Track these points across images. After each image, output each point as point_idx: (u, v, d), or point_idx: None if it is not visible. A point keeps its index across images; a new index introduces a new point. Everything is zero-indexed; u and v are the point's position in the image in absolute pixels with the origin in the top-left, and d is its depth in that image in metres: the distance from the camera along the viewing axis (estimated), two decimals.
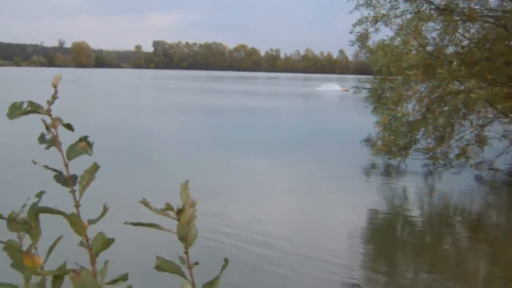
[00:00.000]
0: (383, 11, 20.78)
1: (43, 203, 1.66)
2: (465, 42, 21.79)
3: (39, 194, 1.65)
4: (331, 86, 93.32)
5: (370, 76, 22.79)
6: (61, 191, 1.72)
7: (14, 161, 19.43)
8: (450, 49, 21.23)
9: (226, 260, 1.46)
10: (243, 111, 53.66)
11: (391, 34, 20.97)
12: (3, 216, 1.69)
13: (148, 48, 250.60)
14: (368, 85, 22.04)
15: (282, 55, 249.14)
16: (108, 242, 1.62)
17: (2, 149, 23.40)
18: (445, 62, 19.13)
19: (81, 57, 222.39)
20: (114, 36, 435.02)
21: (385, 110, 20.52)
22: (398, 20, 20.69)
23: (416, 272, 12.34)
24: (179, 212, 1.44)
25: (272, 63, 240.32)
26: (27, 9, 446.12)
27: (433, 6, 20.67)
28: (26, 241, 1.74)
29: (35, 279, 1.72)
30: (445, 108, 20.35)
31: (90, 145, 1.58)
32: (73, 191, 1.58)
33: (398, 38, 20.60)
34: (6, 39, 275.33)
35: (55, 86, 1.54)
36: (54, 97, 1.53)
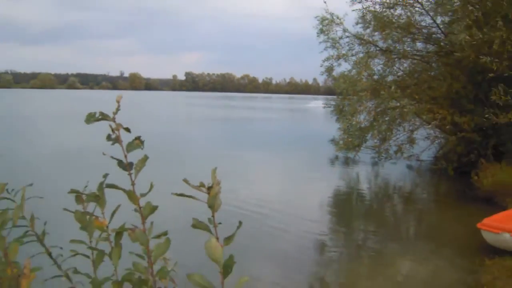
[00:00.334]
0: (343, 52, 20.84)
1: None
2: (400, 73, 21.76)
3: (105, 176, 1.68)
4: (317, 103, 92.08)
5: (335, 96, 22.77)
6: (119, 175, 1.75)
7: (89, 153, 19.38)
8: (390, 78, 21.20)
9: (240, 222, 1.45)
10: (246, 120, 53.35)
11: (349, 67, 21.05)
12: (79, 191, 1.74)
13: (181, 76, 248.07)
14: (333, 103, 22.05)
15: (274, 82, 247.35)
16: (153, 209, 1.61)
17: (81, 145, 23.39)
18: (386, 86, 19.12)
19: (135, 83, 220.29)
20: (158, 68, 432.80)
21: (344, 119, 20.48)
22: (354, 58, 20.75)
23: (365, 228, 12.41)
24: (209, 188, 1.45)
25: (267, 87, 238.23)
26: (99, 50, 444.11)
27: (378, 48, 20.71)
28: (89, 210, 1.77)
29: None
30: (386, 118, 20.32)
31: (142, 142, 1.58)
32: (130, 174, 1.59)
33: (354, 70, 20.62)
34: (84, 71, 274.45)
35: (118, 102, 1.55)
36: (117, 109, 1.54)
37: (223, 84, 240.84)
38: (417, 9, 19.28)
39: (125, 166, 1.59)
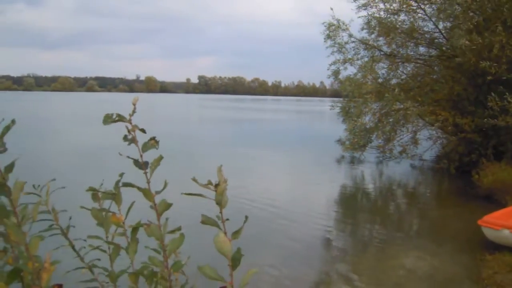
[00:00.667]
0: (349, 56, 20.84)
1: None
2: (404, 76, 21.73)
3: (121, 174, 1.69)
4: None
5: (341, 99, 22.73)
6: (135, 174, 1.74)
7: (106, 153, 19.46)
8: (394, 81, 21.18)
9: (246, 217, 1.46)
10: (256, 121, 53.38)
11: (355, 71, 21.02)
12: (95, 189, 1.77)
13: (194, 80, 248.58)
14: (339, 105, 22.01)
15: (282, 85, 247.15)
16: (168, 206, 1.63)
17: (99, 146, 23.50)
18: (390, 89, 19.11)
19: (151, 86, 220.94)
20: (172, 72, 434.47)
21: (350, 121, 20.46)
22: (359, 62, 20.73)
23: (370, 224, 12.37)
24: (216, 186, 1.46)
25: (276, 90, 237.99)
26: (116, 54, 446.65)
27: (382, 53, 20.69)
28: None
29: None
30: (390, 120, 20.30)
31: (157, 142, 1.58)
32: (145, 173, 1.60)
33: (359, 74, 20.61)
34: (102, 74, 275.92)
35: (134, 104, 1.55)
36: (134, 111, 1.54)
37: (234, 87, 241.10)
38: (420, 15, 19.27)
39: (141, 165, 1.60)
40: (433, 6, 18.66)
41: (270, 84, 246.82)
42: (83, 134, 31.21)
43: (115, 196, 1.74)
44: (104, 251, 1.83)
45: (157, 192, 1.61)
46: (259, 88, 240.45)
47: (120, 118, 1.53)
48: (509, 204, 11.58)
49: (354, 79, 20.70)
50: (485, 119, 14.57)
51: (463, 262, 9.00)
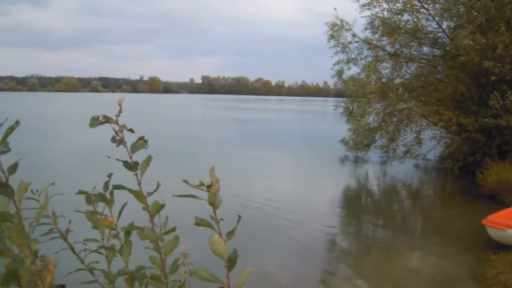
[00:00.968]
0: (353, 56, 20.84)
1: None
2: (407, 76, 21.71)
3: (109, 175, 1.67)
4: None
5: (345, 98, 22.72)
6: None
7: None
8: (397, 81, 21.16)
9: (239, 216, 1.43)
10: (260, 121, 53.40)
11: (358, 70, 21.03)
12: (86, 192, 1.74)
13: (198, 80, 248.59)
14: (343, 104, 22.00)
15: (286, 85, 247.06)
16: (160, 207, 1.59)
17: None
18: (394, 89, 19.07)
19: (154, 86, 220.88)
20: (176, 72, 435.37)
21: (354, 120, 20.45)
22: (363, 61, 20.72)
23: (374, 223, 12.36)
24: (209, 186, 1.44)
25: (280, 90, 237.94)
26: (119, 55, 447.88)
27: (386, 52, 20.68)
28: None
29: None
30: (394, 119, 20.30)
31: (146, 141, 1.53)
32: (136, 174, 1.57)
33: (363, 73, 20.60)
34: (106, 75, 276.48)
35: (120, 105, 1.51)
36: (120, 111, 1.50)
37: (238, 87, 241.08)
38: (423, 14, 19.24)
39: (131, 166, 1.57)
40: (437, 5, 18.65)
41: (273, 84, 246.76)
42: (85, 134, 31.26)
43: (106, 198, 1.71)
44: (101, 253, 1.80)
45: (149, 194, 1.58)
46: (263, 88, 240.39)
47: (107, 120, 1.49)
48: None
49: (358, 79, 20.71)
50: (486, 119, 14.57)
51: (467, 262, 8.97)
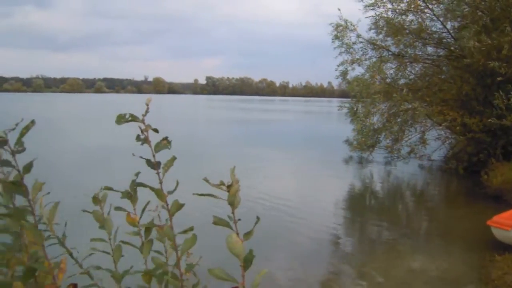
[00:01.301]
0: (357, 56, 20.82)
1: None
2: (412, 76, 21.68)
3: (137, 174, 1.69)
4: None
5: (349, 99, 22.70)
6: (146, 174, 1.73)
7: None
8: (402, 81, 21.13)
9: (258, 218, 1.45)
10: (264, 122, 53.37)
11: (363, 71, 20.98)
12: (111, 188, 1.73)
13: (202, 80, 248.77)
14: (347, 105, 21.97)
15: (290, 85, 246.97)
16: (180, 206, 1.62)
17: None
18: (398, 89, 19.04)
19: (159, 87, 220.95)
20: (180, 73, 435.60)
21: (358, 121, 20.42)
22: (367, 62, 20.69)
23: (379, 224, 12.33)
24: (229, 186, 1.46)
25: (284, 91, 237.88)
26: (123, 56, 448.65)
27: (390, 53, 20.65)
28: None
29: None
30: (398, 120, 20.28)
31: (169, 142, 1.58)
32: (158, 173, 1.60)
33: (367, 74, 20.55)
34: (110, 76, 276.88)
35: (147, 105, 1.54)
36: (147, 111, 1.54)
37: (242, 87, 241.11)
38: (428, 15, 19.21)
39: (154, 165, 1.60)
40: (441, 6, 18.61)
41: (277, 84, 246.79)
42: (92, 134, 31.33)
43: (131, 196, 1.74)
44: (108, 253, 1.83)
45: (169, 192, 1.61)
46: (267, 89, 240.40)
47: (133, 118, 1.53)
48: None
49: (362, 80, 20.65)
50: (491, 119, 14.53)
51: (472, 262, 8.95)
